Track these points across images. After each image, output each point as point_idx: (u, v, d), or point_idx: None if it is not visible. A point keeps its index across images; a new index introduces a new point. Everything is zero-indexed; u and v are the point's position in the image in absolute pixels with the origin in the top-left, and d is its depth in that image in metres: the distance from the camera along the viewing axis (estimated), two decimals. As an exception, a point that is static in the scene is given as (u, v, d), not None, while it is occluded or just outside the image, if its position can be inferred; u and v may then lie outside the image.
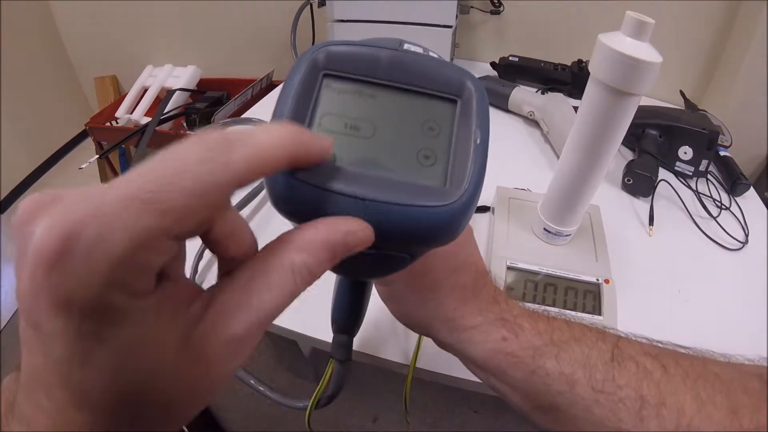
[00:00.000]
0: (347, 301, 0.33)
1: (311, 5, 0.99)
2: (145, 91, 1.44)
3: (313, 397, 0.38)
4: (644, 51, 0.39)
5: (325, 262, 0.17)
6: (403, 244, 0.21)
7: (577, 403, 0.26)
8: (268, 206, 0.65)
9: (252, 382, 0.46)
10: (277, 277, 0.16)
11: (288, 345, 1.01)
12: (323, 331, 0.49)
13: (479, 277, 0.31)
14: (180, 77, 1.38)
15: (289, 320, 0.51)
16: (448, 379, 0.48)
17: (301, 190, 0.19)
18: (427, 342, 0.48)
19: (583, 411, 0.25)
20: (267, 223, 0.62)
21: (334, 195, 0.19)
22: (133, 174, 0.13)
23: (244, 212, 0.63)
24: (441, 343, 0.32)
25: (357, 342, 0.49)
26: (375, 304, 0.51)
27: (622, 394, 0.25)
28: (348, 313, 0.34)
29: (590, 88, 0.43)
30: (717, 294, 0.60)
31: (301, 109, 0.20)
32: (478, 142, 0.21)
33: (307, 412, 0.39)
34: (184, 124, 1.16)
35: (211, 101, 1.14)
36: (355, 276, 0.30)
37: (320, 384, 0.37)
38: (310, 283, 0.17)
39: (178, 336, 0.15)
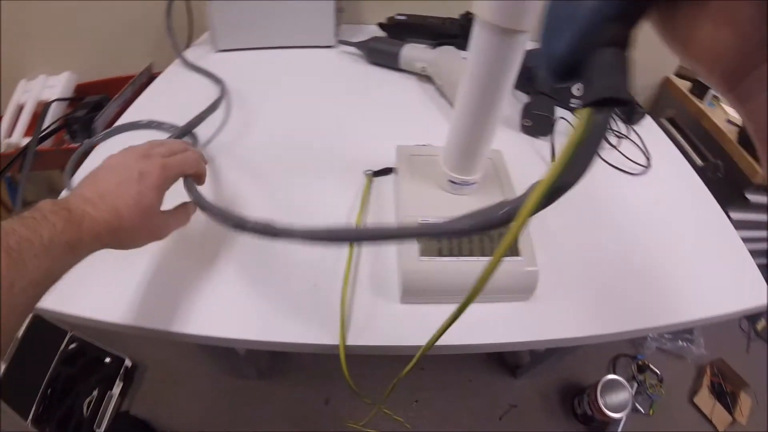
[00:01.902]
0: None
1: (187, -15, 0.92)
2: (22, 109, 1.30)
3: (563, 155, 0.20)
4: None
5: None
6: None
7: None
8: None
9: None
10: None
11: (223, 350, 0.97)
12: (254, 332, 0.46)
13: None
14: (55, 87, 1.24)
15: (222, 328, 0.46)
16: (382, 349, 0.47)
17: None
18: (354, 315, 0.47)
19: None
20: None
21: None
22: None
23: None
24: None
25: (278, 331, 0.46)
26: (281, 288, 0.49)
27: None
28: None
29: (476, 31, 0.41)
30: (627, 216, 0.63)
31: None
32: None
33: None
34: (66, 138, 1.04)
35: (91, 107, 1.03)
36: None
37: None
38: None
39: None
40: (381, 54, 0.91)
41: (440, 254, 0.47)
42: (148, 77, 1.14)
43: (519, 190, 0.55)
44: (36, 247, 0.30)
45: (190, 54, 0.93)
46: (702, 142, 1.24)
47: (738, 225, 1.24)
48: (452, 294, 0.47)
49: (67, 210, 0.34)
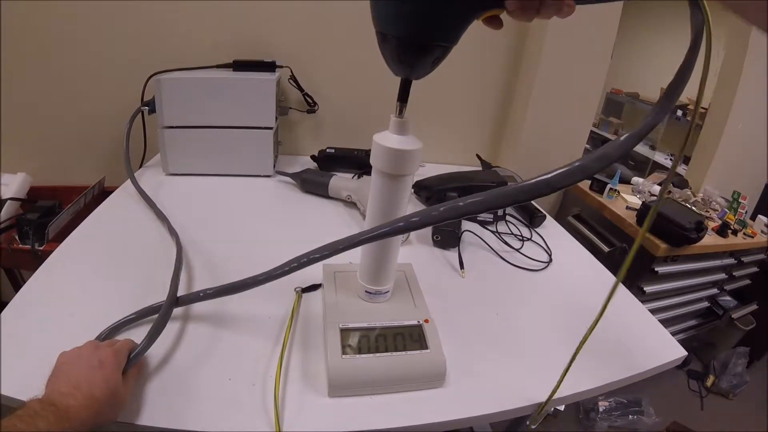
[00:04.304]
0: None
1: (143, 112, 1.01)
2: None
3: None
4: (406, 143, 0.52)
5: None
6: None
7: None
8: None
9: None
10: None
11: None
12: None
13: None
14: (9, 185, 1.27)
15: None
16: None
17: None
18: (288, 409, 0.52)
19: None
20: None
21: None
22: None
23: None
24: None
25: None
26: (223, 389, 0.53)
27: None
28: None
29: (374, 175, 0.55)
30: (529, 306, 0.76)
31: None
32: None
33: None
34: (17, 237, 1.07)
35: (43, 211, 1.07)
36: None
37: None
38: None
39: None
40: (312, 184, 1.07)
41: (360, 351, 0.56)
42: (101, 191, 1.21)
43: (432, 295, 0.66)
44: None
45: (142, 174, 1.02)
46: (606, 230, 1.43)
47: (653, 296, 1.41)
48: (372, 385, 0.56)
49: (53, 405, 0.40)
